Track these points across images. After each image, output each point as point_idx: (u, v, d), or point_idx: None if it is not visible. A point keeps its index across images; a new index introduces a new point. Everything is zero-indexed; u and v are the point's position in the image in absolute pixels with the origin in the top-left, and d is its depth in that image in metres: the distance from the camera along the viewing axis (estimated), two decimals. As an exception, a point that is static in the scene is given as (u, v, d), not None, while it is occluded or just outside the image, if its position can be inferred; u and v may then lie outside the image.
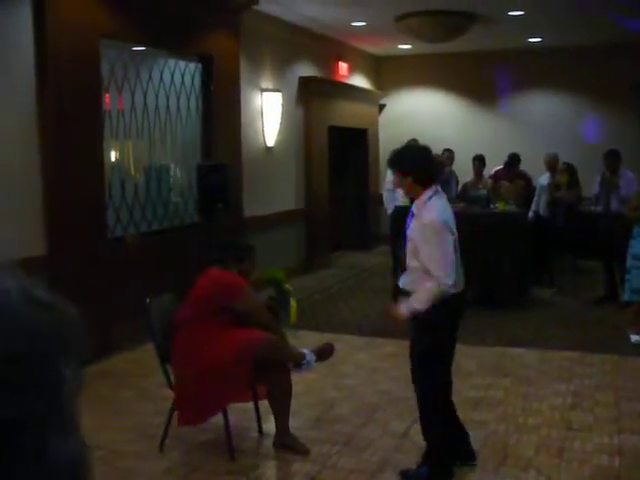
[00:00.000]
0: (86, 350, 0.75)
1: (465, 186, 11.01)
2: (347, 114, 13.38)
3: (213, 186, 8.11)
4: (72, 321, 0.72)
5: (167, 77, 8.57)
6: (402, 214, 5.43)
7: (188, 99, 8.90)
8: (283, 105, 10.87)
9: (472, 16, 10.74)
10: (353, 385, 6.39)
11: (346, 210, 14.32)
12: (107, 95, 7.58)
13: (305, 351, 5.06)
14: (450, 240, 4.24)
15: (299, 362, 5.02)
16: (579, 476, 4.61)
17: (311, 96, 11.93)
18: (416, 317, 4.30)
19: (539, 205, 10.41)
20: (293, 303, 5.58)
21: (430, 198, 4.31)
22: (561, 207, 10.11)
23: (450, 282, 4.16)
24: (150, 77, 8.28)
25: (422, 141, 4.97)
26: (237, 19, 9.40)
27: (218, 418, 4.88)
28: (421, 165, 4.39)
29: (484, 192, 10.33)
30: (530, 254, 9.60)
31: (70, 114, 6.79)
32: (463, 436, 4.72)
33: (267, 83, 10.65)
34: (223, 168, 8.34)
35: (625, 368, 6.80)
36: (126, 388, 6.35)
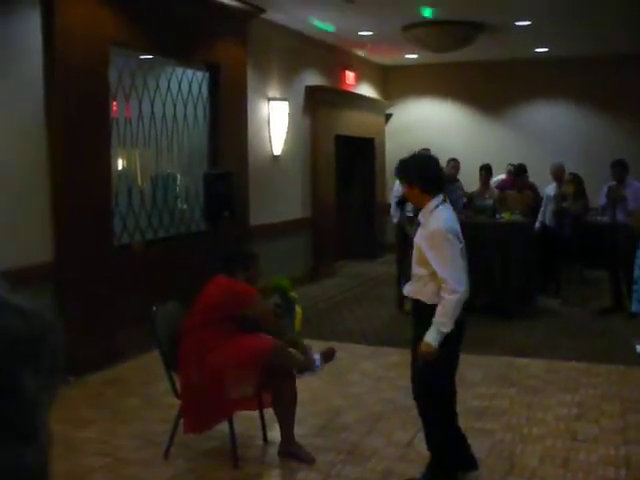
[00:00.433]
0: (64, 360, 0.72)
1: (471, 196, 11.00)
2: (354, 123, 13.40)
3: (219, 194, 8.13)
4: (49, 330, 0.69)
5: (174, 85, 8.60)
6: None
7: (195, 107, 8.93)
8: (290, 114, 10.89)
9: (479, 26, 10.75)
10: (358, 394, 6.39)
11: (352, 219, 14.33)
12: (115, 103, 7.61)
13: (315, 356, 5.10)
14: (458, 248, 4.24)
15: (307, 368, 5.04)
16: (584, 487, 4.60)
17: (318, 105, 11.95)
18: (422, 326, 4.29)
19: (545, 215, 10.40)
20: (299, 310, 5.58)
21: (437, 207, 4.31)
22: (568, 217, 10.10)
23: (462, 289, 4.16)
24: (158, 85, 8.32)
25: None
26: (245, 28, 9.43)
27: (223, 426, 4.88)
28: (427, 174, 4.38)
29: (490, 202, 10.33)
30: (536, 264, 9.58)
31: (78, 121, 6.81)
32: (464, 444, 4.71)
33: (274, 92, 10.67)
34: (229, 176, 8.36)
35: (631, 379, 6.78)
36: (131, 395, 6.35)
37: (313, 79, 12.01)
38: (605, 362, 7.21)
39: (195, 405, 4.76)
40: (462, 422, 4.72)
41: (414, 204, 4.48)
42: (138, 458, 5.02)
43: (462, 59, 13.33)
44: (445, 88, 14.80)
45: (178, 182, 9.00)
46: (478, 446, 4.99)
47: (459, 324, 4.35)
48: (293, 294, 5.58)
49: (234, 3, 8.84)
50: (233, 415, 4.87)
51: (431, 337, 4.17)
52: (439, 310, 4.16)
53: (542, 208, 10.47)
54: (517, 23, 10.64)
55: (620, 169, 9.30)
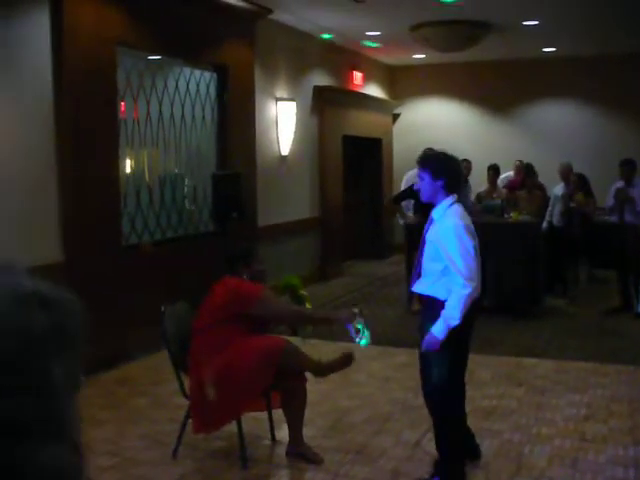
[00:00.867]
0: (89, 346, 0.70)
1: (479, 196, 11.00)
2: (361, 123, 13.40)
3: (227, 195, 8.14)
4: (74, 316, 0.68)
5: (182, 86, 8.62)
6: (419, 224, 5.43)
7: (203, 108, 8.94)
8: (297, 114, 10.91)
9: (486, 26, 10.74)
10: (366, 394, 6.39)
11: (360, 219, 14.33)
12: (123, 103, 7.64)
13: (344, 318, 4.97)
14: (472, 244, 4.29)
15: (320, 371, 5.00)
16: (593, 487, 4.60)
17: (325, 105, 11.96)
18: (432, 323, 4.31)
19: (553, 215, 10.38)
20: (309, 307, 5.58)
21: (451, 205, 4.38)
22: (576, 217, 10.08)
23: (474, 284, 4.20)
24: (165, 86, 8.34)
25: (422, 152, 5.00)
26: (252, 28, 9.45)
27: (231, 426, 4.88)
28: (453, 172, 4.46)
29: (498, 202, 10.32)
30: (544, 264, 9.57)
31: (86, 122, 6.83)
32: (469, 435, 4.78)
33: (282, 92, 10.69)
34: (237, 177, 8.37)
35: (640, 379, 6.77)
36: (140, 395, 6.37)
37: (321, 79, 12.01)
38: (614, 362, 7.19)
39: (204, 406, 4.77)
40: (470, 422, 4.74)
41: (426, 199, 4.49)
42: (147, 458, 5.04)
43: (469, 59, 13.32)
44: (453, 88, 14.79)
45: (186, 183, 9.02)
46: (486, 446, 5.01)
47: (469, 321, 4.36)
48: (303, 292, 5.56)
49: (241, 4, 8.85)
50: (242, 415, 4.88)
51: (438, 329, 4.21)
52: (449, 303, 4.20)
53: (549, 208, 10.45)
54: (524, 23, 10.63)
55: (629, 168, 9.28)
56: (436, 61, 13.95)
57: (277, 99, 10.54)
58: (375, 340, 8.15)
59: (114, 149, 7.26)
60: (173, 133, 8.45)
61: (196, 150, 8.93)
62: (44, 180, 6.53)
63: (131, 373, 6.99)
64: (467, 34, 10.94)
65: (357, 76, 13.61)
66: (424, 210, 8.13)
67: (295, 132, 10.88)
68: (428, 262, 4.42)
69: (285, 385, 4.87)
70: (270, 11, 9.44)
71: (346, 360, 5.15)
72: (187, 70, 8.72)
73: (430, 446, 4.86)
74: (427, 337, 4.26)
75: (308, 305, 5.62)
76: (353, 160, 13.78)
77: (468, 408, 4.70)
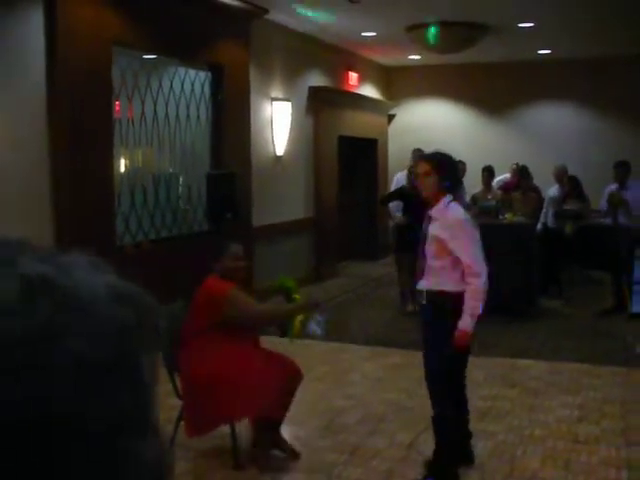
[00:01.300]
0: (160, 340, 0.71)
1: (474, 197, 11.00)
2: (357, 124, 13.40)
3: (222, 195, 8.13)
4: (151, 312, 0.68)
5: (177, 85, 8.61)
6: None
7: (198, 108, 8.93)
8: (293, 114, 10.90)
9: (482, 27, 10.75)
10: (360, 395, 6.39)
11: (355, 220, 14.32)
12: (117, 103, 7.62)
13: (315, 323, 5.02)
14: (477, 236, 4.49)
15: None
16: (586, 489, 4.60)
17: (321, 106, 11.96)
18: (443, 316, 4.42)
19: (547, 217, 10.40)
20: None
21: (449, 203, 4.53)
22: (569, 219, 10.10)
23: (486, 272, 4.39)
24: (160, 85, 8.32)
25: (433, 151, 5.07)
26: (247, 28, 9.44)
27: (225, 426, 4.87)
28: (457, 174, 4.81)
29: (493, 203, 10.33)
30: (539, 265, 9.58)
31: (80, 121, 6.81)
32: (467, 439, 4.83)
33: (277, 92, 10.68)
34: (232, 177, 8.36)
35: (633, 380, 6.77)
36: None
37: (316, 79, 12.01)
38: (607, 364, 7.20)
39: (196, 409, 4.74)
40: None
41: (425, 196, 4.61)
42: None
43: (465, 60, 13.32)
44: (448, 89, 14.80)
45: (180, 182, 9.01)
46: (480, 447, 5.01)
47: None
48: (297, 296, 5.36)
49: (237, 3, 8.85)
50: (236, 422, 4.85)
51: (465, 323, 4.39)
52: (468, 295, 4.37)
53: (544, 210, 10.47)
54: (520, 25, 10.63)
55: (623, 170, 9.30)
56: (432, 62, 13.95)
57: (272, 99, 10.54)
58: (368, 341, 8.20)
59: (108, 148, 7.24)
60: (168, 132, 8.44)
61: (191, 150, 8.92)
62: (37, 178, 6.51)
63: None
64: (463, 35, 10.94)
65: (352, 76, 13.61)
66: (413, 211, 8.18)
67: (290, 132, 10.87)
68: (432, 259, 4.54)
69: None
70: (266, 11, 9.43)
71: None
72: (182, 70, 8.70)
73: (424, 447, 4.87)
74: (456, 334, 4.39)
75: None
76: (348, 161, 13.77)
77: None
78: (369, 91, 14.45)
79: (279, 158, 10.78)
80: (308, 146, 11.77)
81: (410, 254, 9.19)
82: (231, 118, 9.22)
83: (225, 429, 4.89)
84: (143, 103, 7.99)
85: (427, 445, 4.74)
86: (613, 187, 9.35)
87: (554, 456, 5.04)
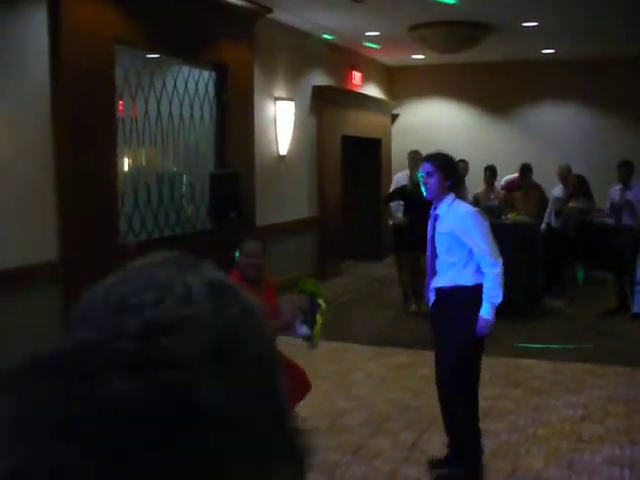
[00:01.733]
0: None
1: (477, 197, 10.99)
2: (360, 124, 13.40)
3: (226, 194, 8.14)
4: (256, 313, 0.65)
5: (181, 85, 8.61)
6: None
7: (201, 107, 8.93)
8: (296, 114, 10.90)
9: (486, 27, 10.74)
10: (363, 394, 6.39)
11: (358, 219, 14.31)
12: (121, 102, 7.62)
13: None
14: (488, 226, 4.59)
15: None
16: (589, 488, 4.60)
17: (324, 105, 11.95)
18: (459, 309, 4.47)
19: (551, 216, 10.38)
20: (319, 320, 5.25)
21: (454, 200, 4.62)
22: (572, 218, 10.08)
23: (501, 261, 4.52)
24: (164, 84, 8.33)
25: (433, 151, 5.09)
26: (251, 28, 9.44)
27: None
28: (459, 174, 4.92)
29: (496, 202, 10.33)
30: (542, 265, 9.57)
31: (84, 120, 6.81)
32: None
33: (280, 92, 10.68)
34: (236, 176, 8.36)
35: (637, 380, 6.76)
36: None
37: (320, 79, 12.01)
38: (610, 363, 7.19)
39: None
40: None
41: (431, 196, 4.63)
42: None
43: (469, 60, 13.31)
44: (451, 89, 14.79)
45: (184, 181, 9.01)
46: (485, 447, 4.99)
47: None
48: (321, 301, 5.23)
49: (241, 3, 8.85)
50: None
51: (486, 311, 4.46)
52: (487, 285, 4.47)
53: (548, 209, 10.46)
54: (524, 24, 10.62)
55: (626, 169, 9.30)
56: (435, 62, 13.94)
57: (276, 98, 10.53)
58: (372, 340, 8.20)
59: (112, 147, 7.24)
60: (171, 132, 8.44)
61: (194, 149, 8.92)
62: (41, 178, 6.52)
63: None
64: (466, 35, 10.93)
65: (356, 76, 13.61)
66: (415, 211, 8.18)
67: (294, 132, 10.87)
68: (444, 255, 4.60)
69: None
70: (270, 10, 9.43)
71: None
72: (186, 69, 8.71)
73: (427, 447, 4.86)
74: (479, 323, 4.45)
75: (319, 318, 5.30)
76: (352, 160, 13.76)
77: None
78: (372, 91, 14.45)
79: (283, 157, 10.78)
80: (311, 146, 11.77)
81: (410, 254, 9.24)
82: (235, 117, 9.22)
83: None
84: (147, 102, 8.00)
85: (431, 445, 4.74)
86: (617, 187, 9.34)
87: (558, 455, 5.04)
